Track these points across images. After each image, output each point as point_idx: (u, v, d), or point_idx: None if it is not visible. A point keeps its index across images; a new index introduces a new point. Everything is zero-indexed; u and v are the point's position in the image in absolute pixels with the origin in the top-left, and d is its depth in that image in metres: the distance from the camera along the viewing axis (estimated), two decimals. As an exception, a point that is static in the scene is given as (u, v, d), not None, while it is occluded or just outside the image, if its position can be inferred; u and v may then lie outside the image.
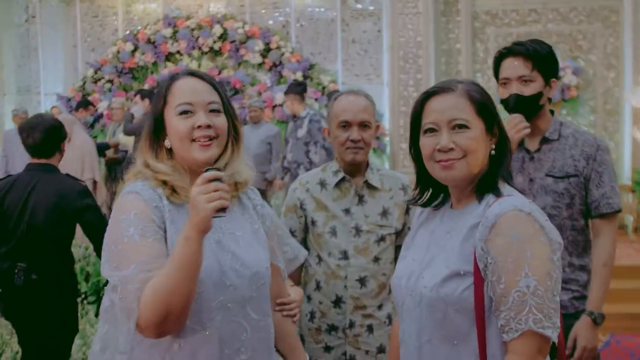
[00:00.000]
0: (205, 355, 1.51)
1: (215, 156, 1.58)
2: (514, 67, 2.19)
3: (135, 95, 7.08)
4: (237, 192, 1.67)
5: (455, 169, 1.49)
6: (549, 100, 2.28)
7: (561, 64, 7.28)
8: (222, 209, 1.38)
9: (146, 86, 8.55)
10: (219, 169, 1.44)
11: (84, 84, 8.93)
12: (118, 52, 8.84)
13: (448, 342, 1.47)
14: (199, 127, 1.54)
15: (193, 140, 1.55)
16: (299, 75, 8.11)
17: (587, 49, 7.74)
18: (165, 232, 1.52)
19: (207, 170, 1.41)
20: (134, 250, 1.45)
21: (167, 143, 1.59)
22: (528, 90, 2.17)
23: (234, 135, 1.65)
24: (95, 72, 8.92)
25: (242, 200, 1.72)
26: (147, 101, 6.74)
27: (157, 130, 1.60)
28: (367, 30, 8.37)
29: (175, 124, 1.56)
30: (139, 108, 6.72)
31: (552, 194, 2.24)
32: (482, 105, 1.51)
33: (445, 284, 1.46)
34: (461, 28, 7.67)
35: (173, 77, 1.62)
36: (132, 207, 1.50)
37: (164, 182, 1.56)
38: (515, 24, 7.86)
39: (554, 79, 2.24)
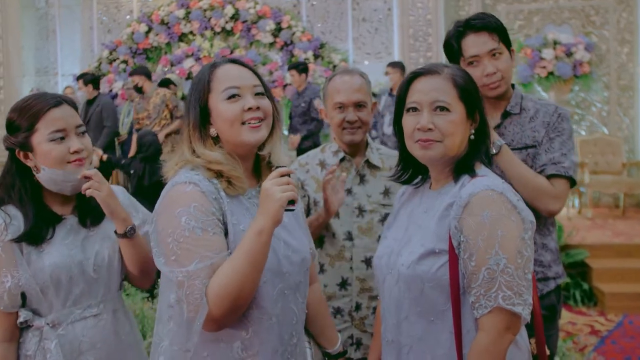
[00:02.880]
0: (271, 343, 1.52)
1: (264, 137, 1.58)
2: (481, 42, 2.06)
3: (77, 79, 7.08)
4: None
5: (431, 149, 1.54)
6: None
7: (573, 40, 7.22)
8: (292, 202, 1.43)
9: (159, 67, 8.66)
10: (288, 168, 1.48)
11: (100, 64, 9.06)
12: (132, 33, 8.94)
13: (425, 318, 1.53)
14: (249, 109, 1.53)
15: (242, 123, 1.53)
16: (309, 55, 8.14)
17: (599, 24, 7.60)
18: (224, 224, 1.49)
19: (278, 167, 1.47)
20: (197, 245, 1.41)
21: (212, 131, 1.56)
22: (501, 64, 2.06)
23: (276, 117, 1.64)
24: (111, 53, 9.05)
25: None
26: (90, 87, 6.83)
27: (203, 119, 1.56)
28: (378, 8, 8.34)
29: (223, 109, 1.54)
30: (83, 93, 6.81)
31: None
32: (465, 91, 1.55)
33: (422, 261, 1.51)
34: (472, 5, 7.60)
35: (214, 65, 1.59)
36: (191, 199, 1.45)
37: (219, 174, 1.53)
38: (527, 1, 7.75)
39: (512, 48, 2.14)
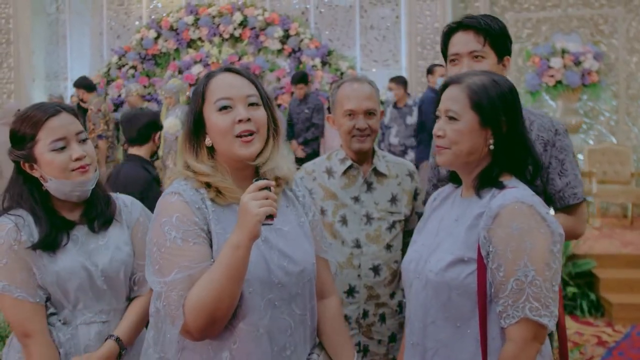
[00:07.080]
0: (258, 355, 1.50)
1: (258, 151, 1.54)
2: (464, 41, 1.98)
3: (78, 87, 7.17)
4: (280, 187, 1.63)
5: (440, 156, 1.62)
6: None
7: (582, 49, 7.19)
8: (271, 217, 1.40)
9: (168, 72, 8.71)
10: (268, 179, 1.46)
11: (109, 70, 9.11)
12: (142, 39, 8.99)
13: (451, 323, 1.55)
14: (240, 121, 1.51)
15: (235, 136, 1.52)
16: (317, 62, 8.18)
17: (608, 33, 7.61)
18: (209, 233, 1.49)
19: (257, 179, 1.44)
20: (177, 255, 1.43)
21: (207, 141, 1.55)
22: (480, 67, 1.92)
23: (273, 128, 1.61)
24: (120, 59, 9.09)
25: (286, 193, 1.68)
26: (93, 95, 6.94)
27: (197, 129, 1.56)
28: (385, 16, 8.38)
29: (215, 120, 1.52)
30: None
31: None
32: (478, 101, 1.56)
33: (450, 269, 1.53)
34: (480, 13, 7.58)
35: (210, 75, 1.58)
36: (174, 209, 1.47)
37: (208, 184, 1.53)
38: (535, 9, 7.76)
39: (507, 57, 2.04)
